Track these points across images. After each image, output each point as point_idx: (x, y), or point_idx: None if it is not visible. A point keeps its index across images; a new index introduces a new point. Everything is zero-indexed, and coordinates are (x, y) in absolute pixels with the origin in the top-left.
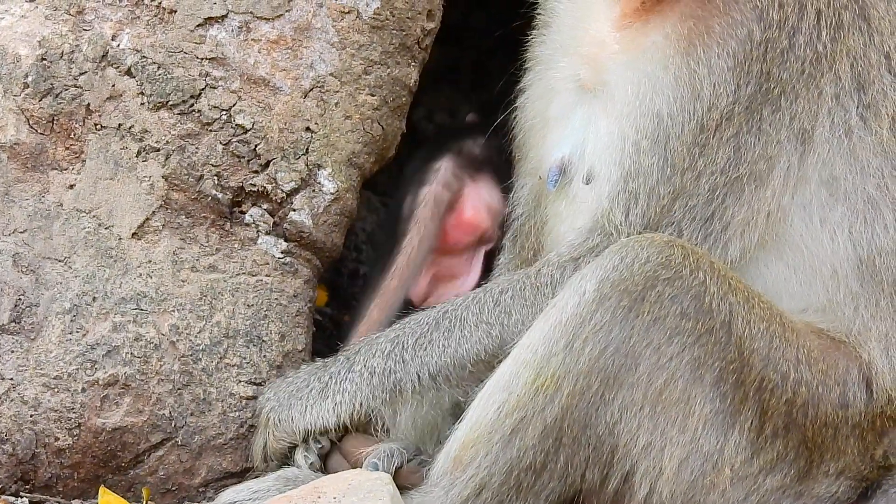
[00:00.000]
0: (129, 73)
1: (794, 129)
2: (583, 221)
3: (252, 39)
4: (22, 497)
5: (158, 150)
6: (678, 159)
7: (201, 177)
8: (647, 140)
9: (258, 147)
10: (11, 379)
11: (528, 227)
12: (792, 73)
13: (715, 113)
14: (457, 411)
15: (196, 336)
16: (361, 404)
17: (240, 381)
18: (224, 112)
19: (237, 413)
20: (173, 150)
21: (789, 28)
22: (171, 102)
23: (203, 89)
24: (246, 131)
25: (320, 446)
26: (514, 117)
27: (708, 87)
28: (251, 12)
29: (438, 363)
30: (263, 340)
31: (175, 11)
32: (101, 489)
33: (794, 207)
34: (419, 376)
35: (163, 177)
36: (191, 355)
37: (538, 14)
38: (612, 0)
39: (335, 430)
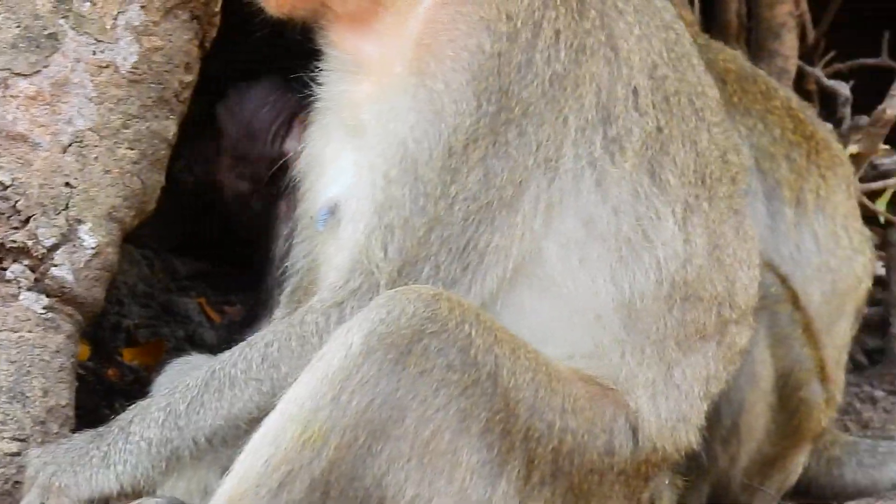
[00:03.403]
0: None
1: (539, 156)
2: (342, 260)
3: (10, 96)
4: None
5: None
6: (430, 187)
7: None
8: (396, 169)
9: (18, 203)
10: None
11: (306, 280)
12: (532, 92)
13: (461, 134)
14: (228, 465)
15: None
16: (142, 474)
17: (3, 438)
18: None
19: (1, 469)
20: None
21: (523, 42)
22: None
23: None
24: (6, 188)
25: None
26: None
27: (449, 105)
28: (9, 69)
29: (213, 426)
30: (27, 396)
31: None
32: None
33: (552, 245)
34: (195, 441)
35: None
36: None
37: (317, 63)
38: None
39: (117, 497)
